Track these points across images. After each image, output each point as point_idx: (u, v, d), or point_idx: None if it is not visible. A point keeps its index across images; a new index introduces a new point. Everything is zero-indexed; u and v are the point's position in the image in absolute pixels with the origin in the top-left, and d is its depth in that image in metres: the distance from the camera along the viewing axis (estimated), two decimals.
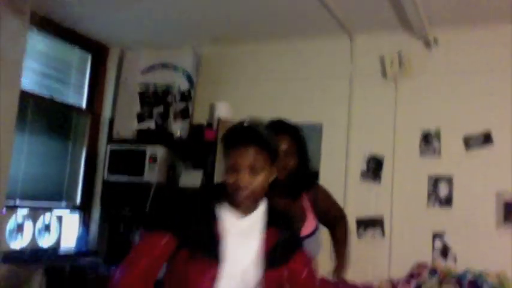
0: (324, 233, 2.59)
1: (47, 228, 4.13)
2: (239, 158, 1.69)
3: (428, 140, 3.71)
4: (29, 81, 4.09)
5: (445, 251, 3.53)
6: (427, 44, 3.81)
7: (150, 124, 4.46)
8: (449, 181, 3.60)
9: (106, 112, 4.70)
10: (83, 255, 4.27)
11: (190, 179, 4.13)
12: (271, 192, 1.82)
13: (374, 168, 3.83)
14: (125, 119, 4.54)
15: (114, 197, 4.44)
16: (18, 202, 3.95)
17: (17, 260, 3.82)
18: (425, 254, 3.57)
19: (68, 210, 4.41)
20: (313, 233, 2.40)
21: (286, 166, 2.34)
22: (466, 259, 3.46)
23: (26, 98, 4.01)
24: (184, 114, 4.39)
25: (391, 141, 3.82)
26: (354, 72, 4.05)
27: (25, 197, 4.03)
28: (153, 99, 4.51)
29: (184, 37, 4.43)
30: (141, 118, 4.51)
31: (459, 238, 3.52)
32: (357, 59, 4.06)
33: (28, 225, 3.98)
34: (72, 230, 4.41)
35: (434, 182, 3.64)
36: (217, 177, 3.88)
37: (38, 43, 4.19)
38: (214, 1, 3.65)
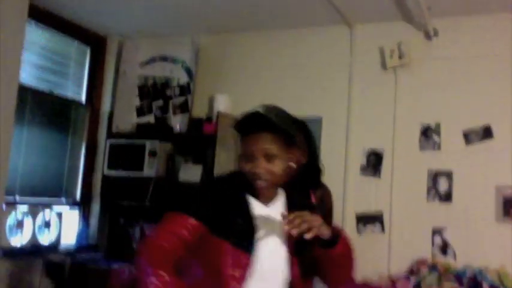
0: None
1: (46, 224, 4.14)
2: (253, 145, 1.66)
3: (428, 134, 3.67)
4: (28, 74, 4.07)
5: (444, 247, 3.52)
6: (427, 35, 3.76)
7: (150, 118, 4.44)
8: (449, 176, 3.57)
9: (105, 106, 4.68)
10: (83, 250, 4.29)
11: (190, 173, 4.12)
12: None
13: (374, 162, 3.80)
14: (124, 112, 4.51)
15: (114, 192, 4.43)
16: (17, 198, 3.96)
17: (17, 256, 3.83)
18: (425, 250, 3.56)
19: (67, 206, 4.42)
20: None
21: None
22: (466, 255, 3.45)
23: (25, 92, 3.99)
24: (184, 107, 4.36)
25: (390, 135, 3.79)
26: (353, 63, 4.01)
27: (24, 192, 4.02)
28: (152, 93, 4.48)
29: (183, 28, 4.40)
30: (140, 112, 4.49)
31: (459, 234, 3.51)
32: (356, 50, 4.02)
33: (28, 222, 3.99)
34: (72, 226, 4.42)
35: (434, 176, 3.61)
36: (217, 171, 3.86)
37: (36, 36, 4.16)
38: None
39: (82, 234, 4.43)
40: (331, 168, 3.80)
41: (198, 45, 4.53)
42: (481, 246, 3.42)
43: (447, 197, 3.56)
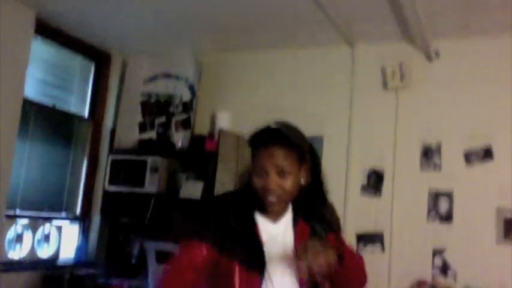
0: None
1: (46, 238, 4.13)
2: (267, 160, 1.66)
3: (428, 154, 3.68)
4: (32, 89, 4.10)
5: (445, 268, 3.50)
6: (429, 56, 3.79)
7: (152, 134, 4.46)
8: (450, 196, 3.57)
9: (108, 121, 4.71)
10: (82, 265, 4.27)
11: (191, 189, 4.12)
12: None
13: (374, 182, 3.81)
14: (127, 128, 4.54)
15: (115, 207, 4.43)
16: (18, 211, 3.96)
17: (15, 269, 3.82)
18: (425, 271, 3.54)
19: (67, 221, 4.41)
20: None
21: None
22: (466, 276, 3.44)
23: (29, 106, 4.01)
24: (186, 124, 4.38)
25: (391, 155, 3.80)
26: (354, 83, 4.04)
27: (25, 205, 4.03)
28: (155, 109, 4.51)
29: (186, 45, 4.44)
30: (142, 128, 4.51)
31: (459, 254, 3.49)
32: (358, 70, 4.05)
33: (27, 235, 3.99)
34: (72, 241, 4.41)
35: (435, 197, 3.61)
36: (218, 188, 3.86)
37: (41, 51, 4.20)
38: (216, 9, 3.65)
39: (81, 249, 4.41)
40: (331, 187, 3.82)
41: (201, 62, 4.57)
42: (481, 267, 3.40)
43: (448, 218, 3.56)
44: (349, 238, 3.76)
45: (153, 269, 3.77)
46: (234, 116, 4.23)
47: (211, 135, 4.19)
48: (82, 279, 3.95)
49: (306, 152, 1.74)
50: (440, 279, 3.47)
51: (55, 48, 4.34)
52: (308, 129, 3.87)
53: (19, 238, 3.92)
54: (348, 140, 3.96)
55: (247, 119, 4.04)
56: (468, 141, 3.59)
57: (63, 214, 4.39)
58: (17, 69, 3.77)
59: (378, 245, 3.71)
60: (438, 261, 3.52)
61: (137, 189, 4.20)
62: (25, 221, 4.00)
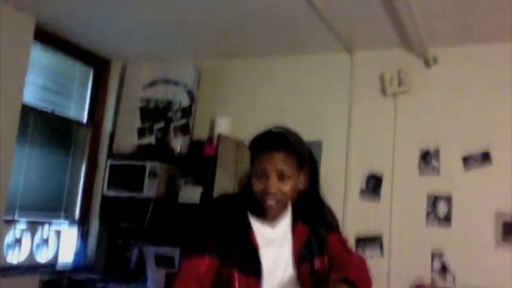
0: None
1: (45, 242, 4.12)
2: (268, 163, 1.67)
3: (427, 159, 3.71)
4: (31, 94, 4.11)
5: (444, 271, 3.51)
6: (427, 62, 3.82)
7: (151, 139, 4.46)
8: (448, 200, 3.60)
9: (107, 126, 4.72)
10: (80, 269, 4.26)
11: (190, 194, 4.12)
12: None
13: (373, 186, 3.83)
14: (126, 133, 4.54)
15: (113, 212, 4.43)
16: (16, 215, 3.95)
17: (13, 273, 3.80)
18: (424, 274, 3.55)
19: (66, 225, 4.40)
20: None
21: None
22: (465, 279, 3.44)
23: (28, 112, 4.03)
24: (185, 130, 4.39)
25: (390, 159, 3.82)
26: (353, 89, 4.06)
27: (24, 210, 4.02)
28: (154, 115, 4.51)
29: (185, 51, 4.47)
30: (141, 133, 4.51)
31: (458, 257, 3.51)
32: (356, 76, 4.08)
33: (26, 239, 3.98)
34: (71, 245, 4.40)
35: (433, 200, 3.63)
36: (217, 193, 3.87)
37: (40, 57, 4.22)
38: (215, 15, 3.68)
39: (80, 254, 4.40)
40: (330, 191, 3.83)
41: (200, 68, 4.59)
42: (480, 270, 3.41)
43: (446, 221, 3.58)
44: (349, 242, 3.78)
45: (152, 273, 3.77)
46: (233, 121, 4.24)
47: (210, 140, 4.21)
48: (81, 283, 3.95)
49: (305, 157, 1.75)
50: (440, 282, 3.48)
51: (54, 54, 4.36)
52: (307, 134, 3.89)
53: (18, 242, 3.92)
54: (346, 144, 3.98)
55: (246, 124, 4.07)
56: (466, 145, 3.62)
57: (62, 218, 4.38)
58: (16, 75, 3.78)
59: (377, 248, 3.72)
60: (437, 264, 3.54)
61: (136, 194, 4.20)
62: (24, 225, 3.99)
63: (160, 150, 4.36)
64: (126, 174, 4.29)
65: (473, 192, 3.55)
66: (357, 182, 3.89)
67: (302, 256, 1.74)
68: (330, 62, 4.19)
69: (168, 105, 4.49)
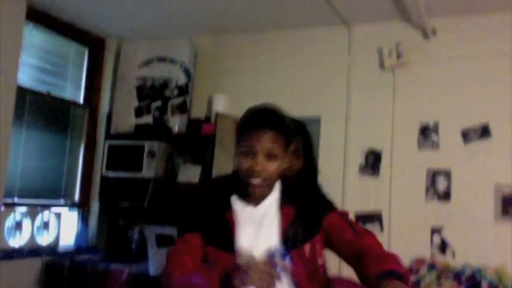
0: None
1: (45, 225, 4.13)
2: (256, 142, 1.65)
3: (426, 133, 3.67)
4: (26, 76, 4.07)
5: (443, 246, 3.51)
6: (425, 34, 3.76)
7: (148, 119, 4.43)
8: (448, 175, 3.57)
9: (104, 106, 4.68)
10: (82, 251, 4.28)
11: (189, 174, 4.12)
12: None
13: (372, 162, 3.81)
14: (123, 113, 4.51)
15: (113, 193, 4.42)
16: (16, 199, 3.95)
17: (15, 257, 3.83)
18: (423, 249, 3.56)
19: (66, 208, 4.41)
20: None
21: (293, 167, 2.25)
22: (465, 253, 3.45)
23: (23, 94, 3.98)
24: (182, 108, 4.35)
25: (389, 134, 3.79)
26: (351, 63, 4.01)
27: (23, 193, 4.02)
28: (151, 94, 4.48)
29: (181, 29, 4.40)
30: (139, 113, 4.48)
31: (457, 232, 3.51)
32: (354, 50, 4.02)
33: (26, 223, 3.99)
34: (71, 227, 4.41)
35: (433, 175, 3.61)
36: (216, 171, 3.86)
37: (34, 38, 4.16)
38: None
39: (81, 236, 4.42)
40: (330, 167, 3.84)
41: (196, 46, 4.53)
42: (479, 245, 3.41)
43: (446, 196, 3.56)
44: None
45: (154, 253, 3.78)
46: (230, 98, 4.20)
47: (208, 118, 4.18)
48: (83, 265, 3.97)
49: (294, 136, 1.76)
50: (439, 257, 3.49)
51: (48, 34, 4.29)
52: (305, 110, 3.88)
53: (18, 226, 3.93)
54: (345, 120, 3.94)
55: (244, 101, 3.98)
56: (466, 119, 3.58)
57: (62, 201, 4.39)
58: (9, 57, 3.72)
59: (377, 224, 3.71)
60: (437, 239, 3.54)
61: (135, 174, 4.20)
62: (24, 208, 4.00)
63: (158, 130, 4.33)
64: (124, 155, 4.28)
65: (472, 166, 3.53)
66: (356, 157, 3.87)
67: (289, 238, 1.71)
68: (327, 36, 4.13)
69: (165, 83, 4.45)
